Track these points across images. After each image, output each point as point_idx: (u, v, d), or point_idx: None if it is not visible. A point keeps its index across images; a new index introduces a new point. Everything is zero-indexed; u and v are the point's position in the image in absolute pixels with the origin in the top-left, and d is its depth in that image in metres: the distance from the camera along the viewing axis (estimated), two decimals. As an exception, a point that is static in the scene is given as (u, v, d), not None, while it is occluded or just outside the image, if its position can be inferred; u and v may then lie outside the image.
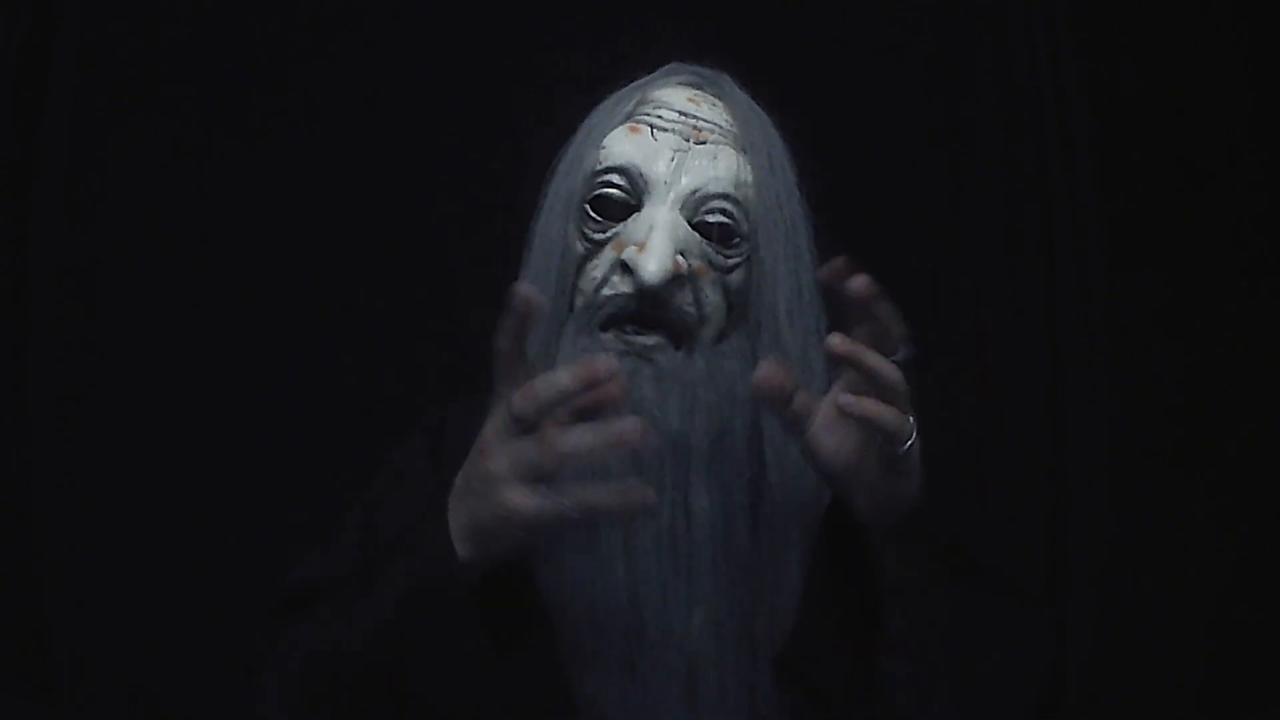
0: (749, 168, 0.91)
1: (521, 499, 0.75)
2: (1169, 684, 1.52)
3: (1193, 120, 1.59)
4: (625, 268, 0.88)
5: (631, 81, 0.97)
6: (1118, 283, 1.56)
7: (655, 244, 0.86)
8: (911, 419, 0.79)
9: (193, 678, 1.44)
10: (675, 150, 0.90)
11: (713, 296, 0.90)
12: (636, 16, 1.43)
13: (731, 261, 0.91)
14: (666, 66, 0.97)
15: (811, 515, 0.89)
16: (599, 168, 0.91)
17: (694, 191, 0.89)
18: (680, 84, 0.95)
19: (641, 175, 0.89)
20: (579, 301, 0.90)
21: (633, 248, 0.87)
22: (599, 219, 0.90)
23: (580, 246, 0.91)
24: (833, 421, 0.81)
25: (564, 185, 0.93)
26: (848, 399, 0.78)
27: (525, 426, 0.75)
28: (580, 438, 0.74)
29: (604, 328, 0.89)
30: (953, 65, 1.58)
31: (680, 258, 0.88)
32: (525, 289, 0.77)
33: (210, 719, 1.41)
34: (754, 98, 0.96)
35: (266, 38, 1.52)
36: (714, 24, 1.40)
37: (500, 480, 0.75)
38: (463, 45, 1.52)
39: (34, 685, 1.43)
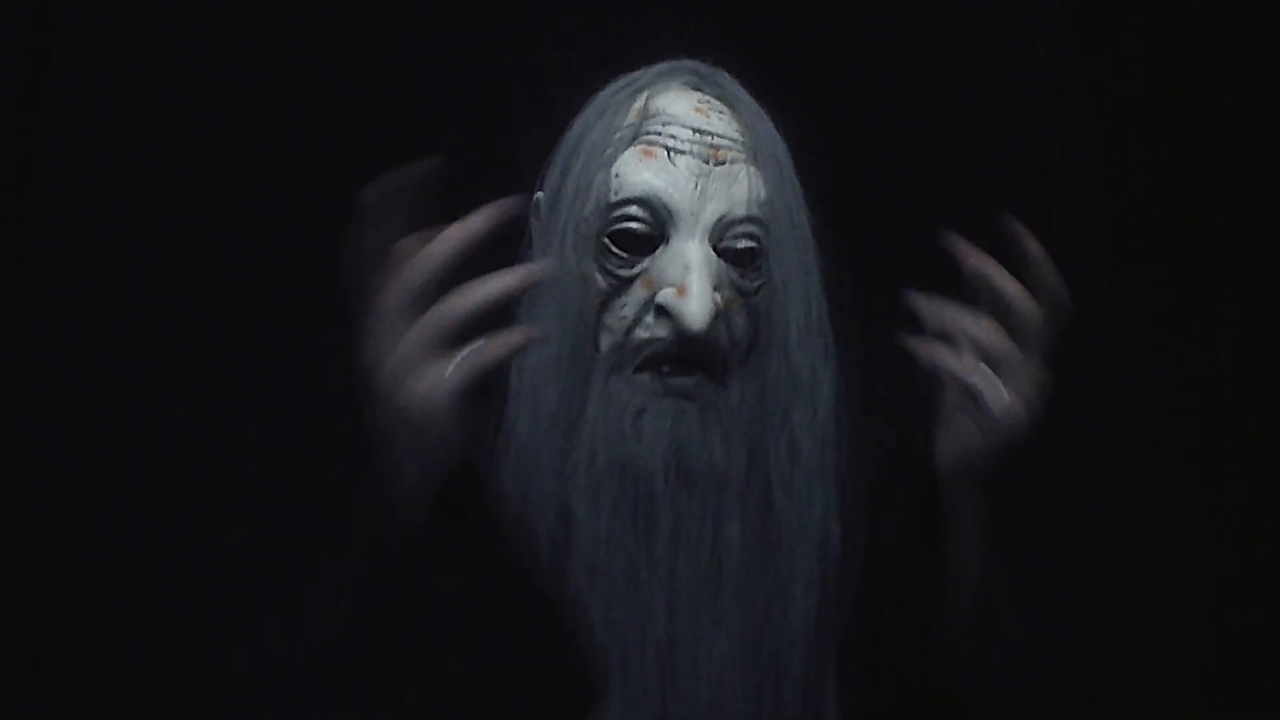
0: (762, 181, 0.87)
1: (425, 381, 0.75)
2: (1169, 684, 1.52)
3: (1193, 120, 1.59)
4: (660, 309, 0.85)
5: (620, 80, 0.92)
6: (1118, 283, 1.56)
7: (695, 288, 0.82)
8: (1021, 396, 0.82)
9: (193, 678, 1.44)
10: (697, 176, 0.85)
11: (741, 323, 0.87)
12: (635, 16, 1.42)
13: (756, 284, 0.87)
14: (660, 67, 0.92)
15: (818, 540, 0.86)
16: (616, 199, 0.86)
17: (720, 219, 0.85)
18: (681, 88, 0.90)
19: (665, 206, 0.85)
20: (606, 341, 0.86)
21: (669, 290, 0.84)
22: (622, 254, 0.86)
23: (603, 282, 0.86)
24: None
25: (571, 214, 0.87)
26: (928, 349, 0.78)
27: (416, 302, 0.76)
28: (473, 291, 0.73)
29: (638, 370, 0.85)
30: (953, 65, 1.58)
31: (715, 294, 0.84)
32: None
33: (210, 719, 1.43)
34: (753, 97, 0.92)
35: (266, 38, 1.52)
36: (713, 24, 1.39)
37: (403, 370, 0.77)
38: (462, 45, 1.52)
39: (34, 685, 1.42)
